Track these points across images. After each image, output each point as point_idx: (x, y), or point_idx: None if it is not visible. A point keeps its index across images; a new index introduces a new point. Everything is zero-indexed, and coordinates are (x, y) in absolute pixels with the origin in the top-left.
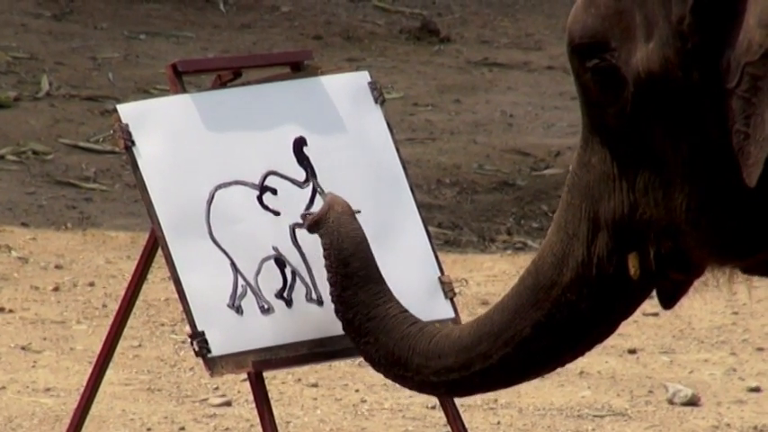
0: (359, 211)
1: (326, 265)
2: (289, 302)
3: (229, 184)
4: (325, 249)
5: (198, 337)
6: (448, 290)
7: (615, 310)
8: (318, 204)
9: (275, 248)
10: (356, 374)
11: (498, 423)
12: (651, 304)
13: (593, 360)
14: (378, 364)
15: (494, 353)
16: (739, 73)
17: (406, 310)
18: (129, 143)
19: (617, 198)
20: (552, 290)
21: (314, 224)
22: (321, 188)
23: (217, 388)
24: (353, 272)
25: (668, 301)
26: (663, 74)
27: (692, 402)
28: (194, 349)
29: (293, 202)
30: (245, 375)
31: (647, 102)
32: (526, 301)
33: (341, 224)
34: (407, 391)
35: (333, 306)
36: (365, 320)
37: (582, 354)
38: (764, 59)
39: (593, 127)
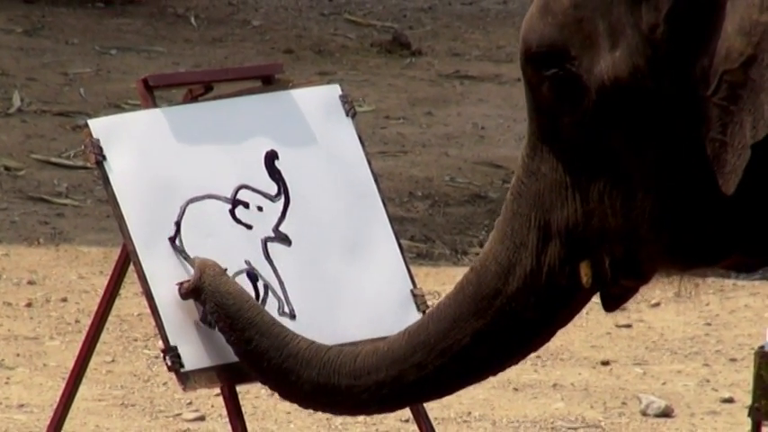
0: (226, 269)
1: (220, 327)
2: None
3: (201, 198)
4: (212, 313)
5: (171, 352)
6: (420, 303)
7: (558, 317)
8: (291, 218)
9: (247, 262)
10: None
11: None
12: (624, 316)
13: (566, 372)
14: (307, 400)
15: (429, 363)
16: (716, 81)
17: (314, 342)
18: (101, 158)
19: (570, 206)
20: (496, 299)
21: (191, 292)
22: (187, 254)
23: (190, 403)
24: (249, 322)
25: (614, 306)
26: (631, 82)
27: (666, 414)
28: (167, 364)
29: (265, 215)
30: (218, 390)
31: (611, 110)
32: (466, 311)
33: (218, 284)
34: None
35: (245, 364)
36: (281, 362)
37: (517, 362)
38: (744, 67)
39: (544, 136)
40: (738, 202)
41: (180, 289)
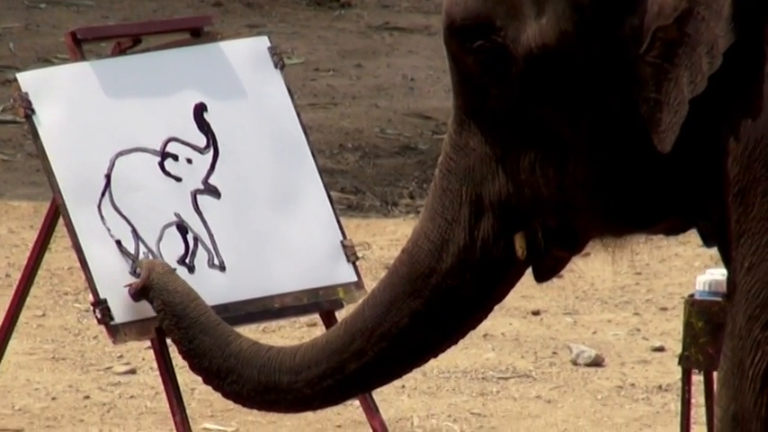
0: (175, 269)
1: (166, 325)
2: (191, 269)
3: (130, 151)
4: (159, 311)
5: (100, 305)
6: (350, 254)
7: (494, 292)
8: (220, 170)
9: (177, 215)
10: (261, 339)
11: (403, 387)
12: None
13: (496, 322)
14: (249, 399)
15: (369, 350)
16: (649, 39)
17: (256, 342)
18: (30, 112)
19: (501, 179)
20: (431, 278)
21: (140, 291)
22: (135, 257)
23: (121, 356)
24: (194, 321)
25: (546, 278)
26: (560, 48)
27: (596, 363)
28: (97, 317)
29: (194, 168)
30: (148, 343)
31: (540, 79)
32: (401, 292)
33: (166, 282)
34: None
35: (188, 362)
36: (222, 361)
37: (457, 341)
38: (679, 22)
39: (472, 110)
40: (673, 162)
41: (129, 289)
